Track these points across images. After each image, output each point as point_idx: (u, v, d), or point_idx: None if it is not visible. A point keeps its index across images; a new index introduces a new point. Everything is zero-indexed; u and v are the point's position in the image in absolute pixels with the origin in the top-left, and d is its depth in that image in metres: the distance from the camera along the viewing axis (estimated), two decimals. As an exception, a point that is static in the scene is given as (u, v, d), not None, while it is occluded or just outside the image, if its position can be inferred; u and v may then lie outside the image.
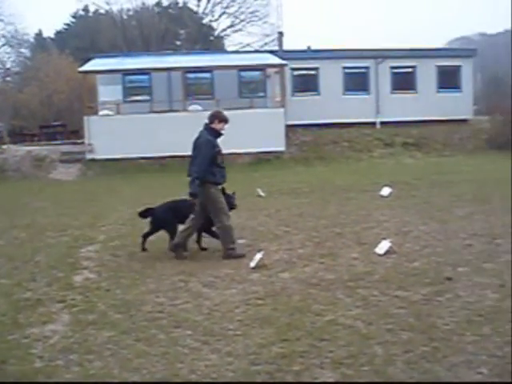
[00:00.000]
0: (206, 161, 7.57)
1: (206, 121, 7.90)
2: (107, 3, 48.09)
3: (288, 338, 4.76)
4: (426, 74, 27.50)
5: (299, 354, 4.43)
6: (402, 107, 26.57)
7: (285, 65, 23.54)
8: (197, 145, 7.75)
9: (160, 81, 25.55)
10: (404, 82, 27.45)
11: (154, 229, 8.46)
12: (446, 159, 22.30)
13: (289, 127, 23.55)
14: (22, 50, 48.55)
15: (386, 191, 12.98)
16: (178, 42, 53.59)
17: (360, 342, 4.59)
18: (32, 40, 55.14)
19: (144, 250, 8.33)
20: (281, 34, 27.68)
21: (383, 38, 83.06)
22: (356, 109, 26.29)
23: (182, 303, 5.87)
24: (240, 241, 8.79)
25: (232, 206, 8.15)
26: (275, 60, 23.95)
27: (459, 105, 27.23)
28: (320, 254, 7.66)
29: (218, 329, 5.09)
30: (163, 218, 8.26)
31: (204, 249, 8.32)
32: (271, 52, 26.62)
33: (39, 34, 58.39)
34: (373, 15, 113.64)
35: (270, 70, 25.24)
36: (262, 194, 13.72)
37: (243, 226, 9.91)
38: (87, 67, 23.36)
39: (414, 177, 16.31)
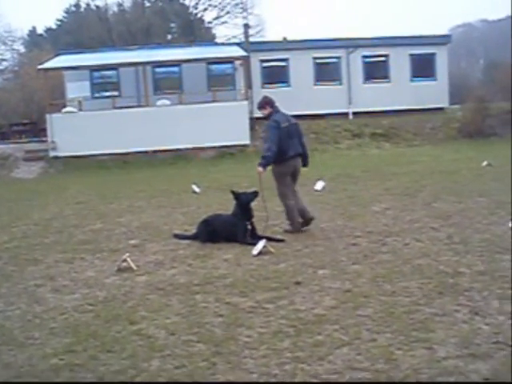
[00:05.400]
0: (274, 143, 8.01)
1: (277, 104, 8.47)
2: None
3: (76, 348, 4.56)
4: (400, 62, 27.08)
5: (70, 368, 4.22)
6: (375, 97, 26.19)
7: (247, 57, 23.20)
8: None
9: (128, 76, 25.35)
10: (377, 71, 27.08)
11: None
12: (412, 149, 21.89)
13: (257, 120, 23.19)
14: (15, 47, 48.91)
15: (319, 185, 12.73)
16: (169, 36, 53.37)
17: (143, 355, 4.36)
18: (26, 37, 55.49)
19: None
20: (247, 25, 27.39)
21: (380, 27, 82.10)
22: (328, 100, 25.95)
23: (13, 309, 5.70)
24: (131, 241, 8.66)
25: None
26: (239, 52, 23.61)
27: (434, 93, 26.79)
28: (195, 255, 7.45)
29: (21, 338, 4.91)
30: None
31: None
32: (239, 44, 26.26)
33: (33, 31, 58.58)
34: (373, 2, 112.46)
35: (237, 63, 24.94)
36: (197, 190, 13.49)
37: (147, 225, 9.74)
38: (49, 64, 23.17)
39: (364, 169, 16.01)
